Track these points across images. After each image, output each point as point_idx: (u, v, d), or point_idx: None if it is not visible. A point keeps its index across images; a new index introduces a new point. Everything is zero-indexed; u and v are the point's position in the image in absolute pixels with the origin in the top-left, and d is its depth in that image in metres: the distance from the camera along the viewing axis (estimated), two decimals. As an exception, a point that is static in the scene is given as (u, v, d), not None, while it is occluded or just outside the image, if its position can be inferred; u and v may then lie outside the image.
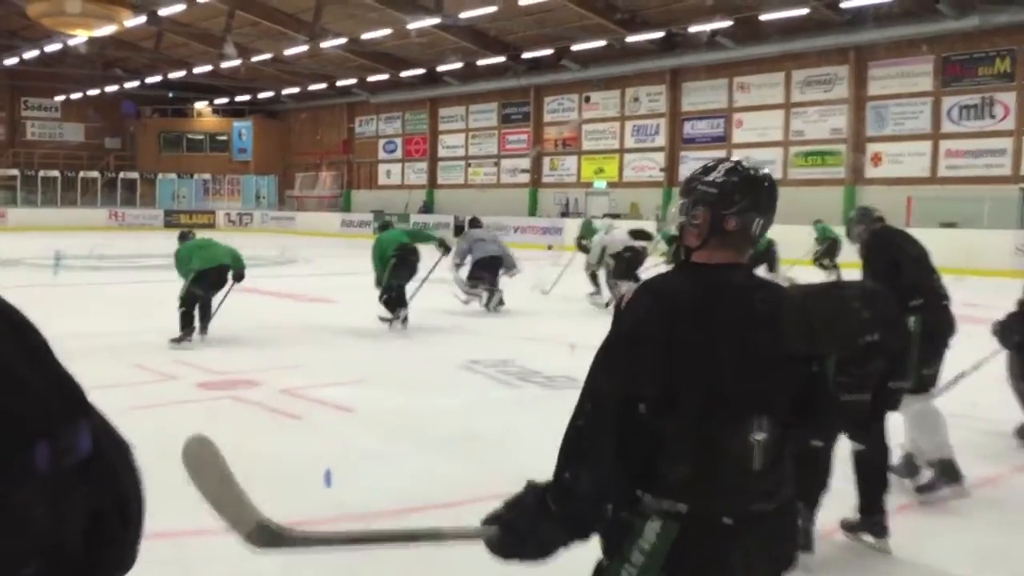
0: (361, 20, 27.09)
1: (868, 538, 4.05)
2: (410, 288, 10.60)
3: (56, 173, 38.43)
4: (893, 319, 4.12)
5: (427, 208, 34.31)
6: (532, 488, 1.79)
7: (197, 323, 9.11)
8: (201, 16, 29.09)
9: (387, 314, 10.24)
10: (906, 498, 4.68)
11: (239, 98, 39.74)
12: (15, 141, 40.27)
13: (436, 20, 23.84)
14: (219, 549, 4.11)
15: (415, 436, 5.97)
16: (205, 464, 1.74)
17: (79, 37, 25.46)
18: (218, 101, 40.70)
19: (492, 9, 23.13)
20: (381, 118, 37.59)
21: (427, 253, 11.12)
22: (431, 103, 34.90)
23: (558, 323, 10.90)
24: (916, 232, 5.49)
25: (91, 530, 1.00)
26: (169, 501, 5.02)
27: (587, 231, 13.93)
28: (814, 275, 14.32)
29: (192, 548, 4.13)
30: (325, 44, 27.35)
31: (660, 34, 24.75)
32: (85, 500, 0.99)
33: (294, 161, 41.93)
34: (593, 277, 12.81)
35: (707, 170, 1.92)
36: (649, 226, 15.23)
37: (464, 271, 12.01)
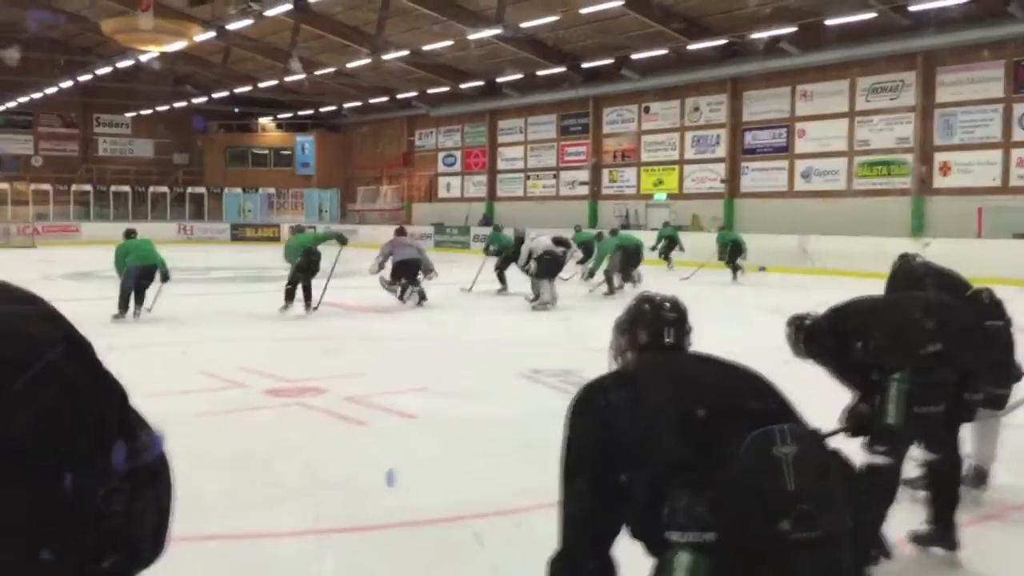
0: (422, 32, 27.41)
1: (938, 551, 3.97)
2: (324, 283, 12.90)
3: (127, 188, 39.54)
4: (959, 330, 4.04)
5: (487, 221, 34.46)
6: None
7: (132, 305, 11.70)
8: (268, 31, 29.71)
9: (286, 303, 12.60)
10: (977, 510, 4.58)
11: (302, 112, 40.45)
12: (88, 157, 41.54)
13: (497, 31, 23.98)
14: (278, 552, 4.20)
15: (478, 444, 6.02)
16: None
17: (150, 53, 26.17)
18: (281, 116, 41.48)
19: (553, 19, 23.20)
20: (441, 131, 37.90)
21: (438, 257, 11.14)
22: (490, 115, 35.09)
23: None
24: (987, 244, 5.44)
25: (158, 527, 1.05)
26: (242, 504, 5.16)
27: (494, 238, 16.71)
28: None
29: (253, 550, 4.22)
30: (387, 56, 27.70)
31: (721, 41, 24.54)
32: (155, 500, 1.03)
33: (355, 175, 42.48)
34: (501, 276, 15.78)
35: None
36: (567, 234, 18.48)
37: (387, 272, 13.97)
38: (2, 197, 37.27)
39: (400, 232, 14.97)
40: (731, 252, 19.37)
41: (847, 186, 24.56)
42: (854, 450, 3.10)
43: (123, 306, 11.63)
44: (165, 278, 11.99)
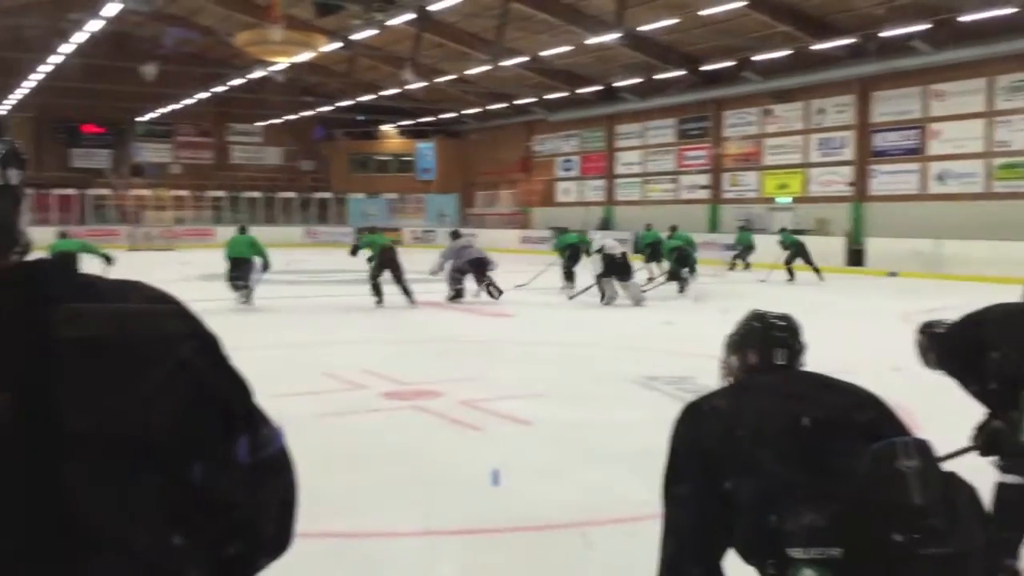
0: (541, 38, 27.53)
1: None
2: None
3: (258, 194, 41.19)
4: None
5: (605, 225, 34.34)
6: None
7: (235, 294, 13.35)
8: (391, 40, 30.40)
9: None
10: None
11: (422, 119, 41.23)
12: (222, 164, 43.47)
13: (616, 35, 23.86)
14: (391, 551, 4.27)
15: (592, 451, 5.97)
16: None
17: (280, 64, 27.15)
18: (403, 123, 42.39)
19: (672, 21, 22.93)
20: (559, 136, 37.96)
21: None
22: (608, 120, 34.93)
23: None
24: None
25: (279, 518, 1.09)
26: (358, 503, 5.27)
27: (562, 240, 17.32)
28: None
29: (367, 548, 4.30)
30: (506, 63, 27.93)
31: (848, 41, 23.69)
32: (279, 492, 1.07)
33: (474, 180, 43.01)
34: (569, 275, 16.33)
35: None
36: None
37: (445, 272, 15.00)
38: (144, 203, 39.39)
39: (456, 235, 16.03)
40: (792, 254, 19.81)
41: (985, 188, 23.36)
42: (978, 468, 2.94)
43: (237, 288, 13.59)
44: (264, 268, 13.81)
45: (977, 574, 1.71)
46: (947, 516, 1.64)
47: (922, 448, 1.68)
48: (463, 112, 39.22)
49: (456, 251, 15.11)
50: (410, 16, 23.55)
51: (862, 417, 1.85)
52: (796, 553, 1.68)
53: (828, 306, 13.43)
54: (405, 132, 43.85)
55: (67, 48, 27.13)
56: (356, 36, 25.73)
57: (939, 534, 1.62)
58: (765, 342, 2.24)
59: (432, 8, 23.75)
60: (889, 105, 25.72)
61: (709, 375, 9.20)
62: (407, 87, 32.19)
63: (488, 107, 37.23)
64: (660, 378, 8.27)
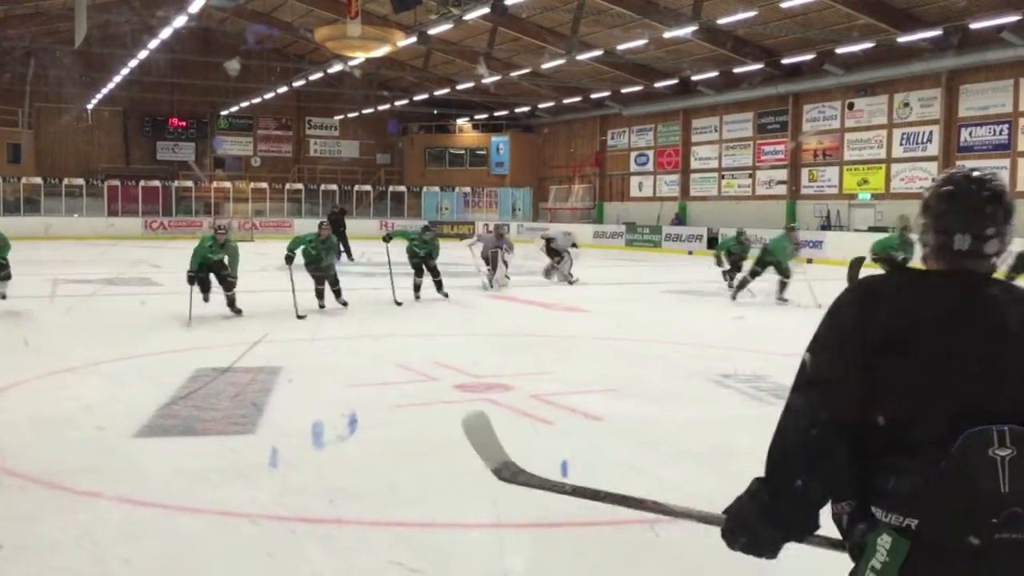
0: (616, 31, 27.35)
1: None
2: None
3: (334, 187, 41.87)
4: None
5: (680, 220, 34.00)
6: (755, 482, 1.77)
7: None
8: (466, 34, 30.58)
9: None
10: None
11: (497, 113, 41.35)
12: (300, 158, 44.29)
13: (694, 27, 23.57)
14: (462, 542, 4.31)
15: (664, 448, 5.94)
16: (478, 427, 2.28)
17: (357, 59, 27.53)
18: (477, 117, 42.59)
19: (751, 14, 22.55)
20: (633, 131, 37.69)
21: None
22: (683, 114, 34.55)
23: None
24: None
25: None
26: (432, 494, 5.32)
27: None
28: None
29: (439, 538, 4.35)
30: (581, 56, 27.84)
31: (935, 32, 23.00)
32: None
33: (548, 174, 42.99)
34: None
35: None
36: None
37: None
38: (225, 195, 40.36)
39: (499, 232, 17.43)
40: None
41: (1078, 186, 22.48)
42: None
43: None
44: (339, 255, 15.26)
45: None
46: None
47: (1017, 437, 1.64)
48: (537, 106, 39.22)
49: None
50: (485, 10, 23.61)
51: (996, 408, 1.67)
52: (877, 512, 1.67)
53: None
54: (479, 126, 44.06)
55: (154, 44, 27.91)
56: (432, 31, 25.92)
57: (1018, 520, 1.60)
58: (947, 214, 1.86)
59: (508, 2, 23.78)
60: (977, 99, 24.90)
61: (783, 373, 9.07)
62: (482, 81, 32.31)
63: (562, 101, 37.15)
64: (734, 375, 8.18)
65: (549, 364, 8.74)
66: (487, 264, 16.50)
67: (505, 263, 16.64)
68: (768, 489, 1.73)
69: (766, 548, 1.75)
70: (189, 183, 40.10)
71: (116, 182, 38.77)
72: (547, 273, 18.10)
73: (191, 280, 11.62)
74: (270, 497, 4.72)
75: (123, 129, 41.46)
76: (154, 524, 4.38)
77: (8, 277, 12.10)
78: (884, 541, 1.66)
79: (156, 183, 39.33)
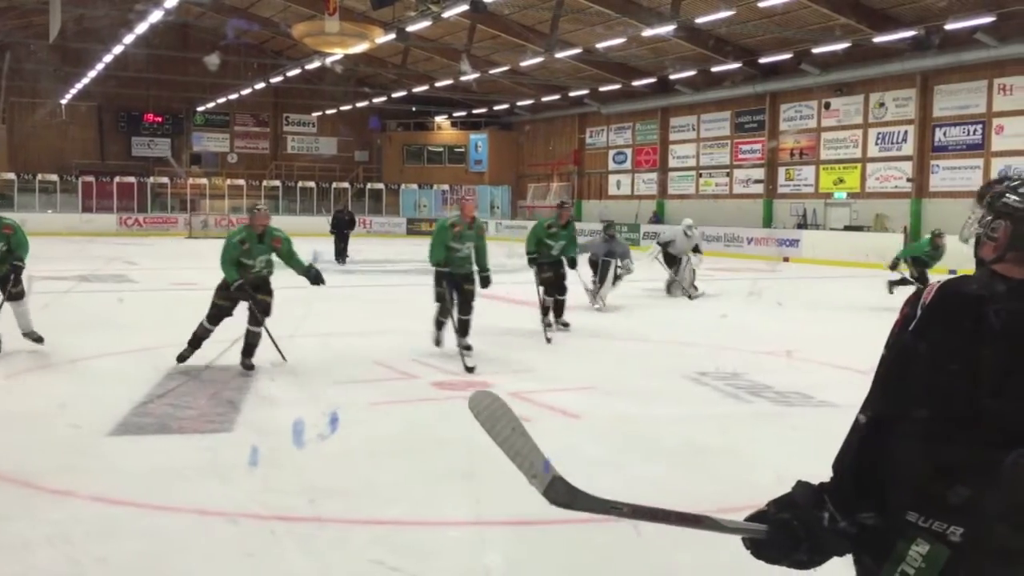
0: (596, 30, 27.39)
1: None
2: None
3: (312, 184, 41.68)
4: None
5: (658, 218, 34.11)
6: (806, 488, 1.72)
7: None
8: (445, 31, 30.51)
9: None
10: None
11: (476, 111, 41.30)
12: (278, 154, 44.04)
13: (672, 27, 23.65)
14: (453, 541, 4.31)
15: (642, 446, 5.96)
16: (496, 417, 1.83)
17: (335, 55, 27.41)
18: (456, 114, 42.53)
19: (729, 13, 22.65)
20: (611, 129, 37.77)
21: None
22: (662, 112, 34.67)
23: (789, 336, 10.51)
24: None
25: None
26: (408, 492, 5.31)
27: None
28: None
29: (430, 537, 4.34)
30: (560, 55, 27.85)
31: (910, 33, 23.20)
32: None
33: (526, 172, 43.01)
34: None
35: (1016, 184, 1.79)
36: None
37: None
38: (201, 191, 40.07)
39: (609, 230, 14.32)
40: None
41: (1050, 186, 22.73)
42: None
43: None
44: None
45: None
46: None
47: None
48: (516, 104, 39.23)
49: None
50: (464, 8, 23.58)
51: None
52: (912, 517, 1.65)
53: (890, 308, 13.22)
54: (458, 123, 44.01)
55: (130, 38, 27.66)
56: (411, 28, 25.84)
57: None
58: None
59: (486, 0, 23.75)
60: (952, 99, 25.14)
61: (761, 371, 9.13)
62: (461, 79, 32.27)
63: (541, 99, 37.17)
64: (711, 373, 8.22)
65: (528, 362, 8.75)
66: (594, 274, 13.43)
67: (617, 276, 13.51)
68: (832, 492, 1.70)
69: (817, 556, 1.70)
70: (164, 179, 39.76)
71: (91, 178, 38.38)
72: (669, 288, 14.85)
73: (239, 291, 8.09)
74: (248, 496, 4.70)
75: (98, 124, 41.05)
76: (129, 523, 4.35)
77: (22, 294, 8.92)
78: (920, 548, 1.64)
79: (131, 179, 38.97)
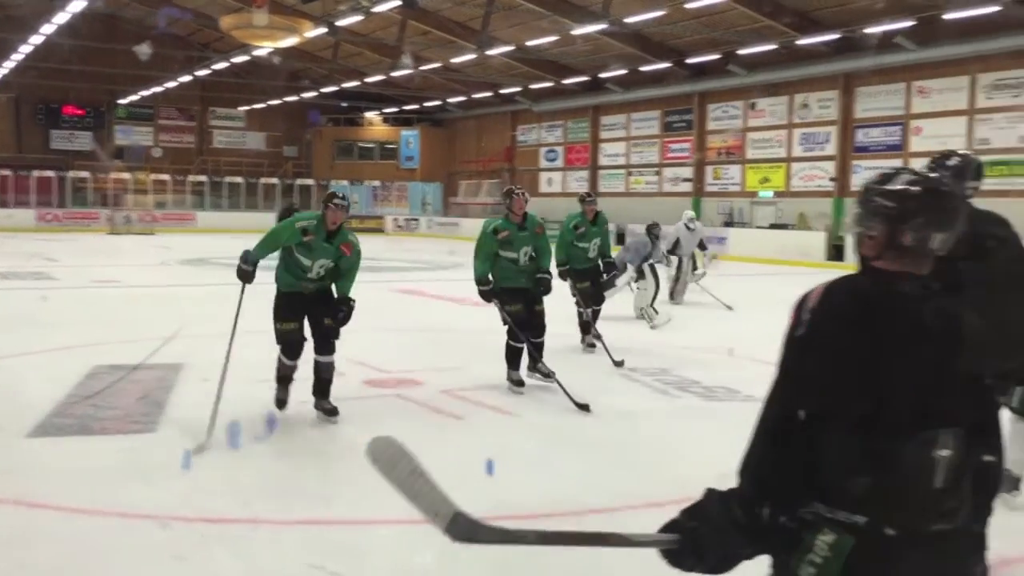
0: (527, 27, 27.50)
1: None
2: None
3: (240, 179, 40.97)
4: None
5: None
6: (714, 496, 1.78)
7: None
8: (376, 26, 30.29)
9: None
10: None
11: (407, 107, 41.07)
12: (204, 149, 43.18)
13: (602, 26, 23.86)
14: (386, 539, 4.30)
15: (572, 441, 6.02)
16: (394, 461, 1.86)
17: (264, 49, 27.00)
18: (387, 110, 42.23)
19: (659, 13, 22.95)
20: (543, 126, 37.95)
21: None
22: (593, 111, 34.96)
23: (719, 333, 10.71)
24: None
25: None
26: (337, 491, 5.27)
27: None
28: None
29: (361, 536, 4.32)
30: (491, 52, 27.89)
31: (833, 36, 23.84)
32: None
33: (458, 169, 42.95)
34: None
35: (885, 180, 1.87)
36: None
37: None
38: (124, 186, 39.06)
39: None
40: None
41: (965, 186, 23.55)
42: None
43: None
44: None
45: (973, 548, 1.78)
46: (956, 496, 1.71)
47: (955, 439, 1.72)
48: (448, 100, 39.13)
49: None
50: (395, 3, 23.44)
51: (959, 412, 1.76)
52: (820, 509, 1.72)
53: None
54: (389, 119, 43.73)
55: (49, 28, 26.82)
56: (341, 22, 25.59)
57: (947, 513, 1.70)
58: (937, 219, 1.80)
59: (418, -5, 23.68)
60: (873, 101, 25.89)
61: (686, 367, 9.25)
62: (393, 74, 32.07)
63: (473, 96, 37.15)
64: (640, 369, 8.35)
65: (459, 360, 8.76)
66: (639, 279, 12.01)
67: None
68: (735, 497, 1.76)
69: (727, 561, 1.77)
70: (85, 174, 38.65)
71: (7, 172, 37.12)
72: (673, 294, 13.84)
73: (244, 274, 6.81)
74: (175, 498, 4.62)
75: (15, 116, 39.71)
76: (51, 527, 4.24)
77: None
78: (826, 538, 1.71)
79: (50, 173, 37.81)
